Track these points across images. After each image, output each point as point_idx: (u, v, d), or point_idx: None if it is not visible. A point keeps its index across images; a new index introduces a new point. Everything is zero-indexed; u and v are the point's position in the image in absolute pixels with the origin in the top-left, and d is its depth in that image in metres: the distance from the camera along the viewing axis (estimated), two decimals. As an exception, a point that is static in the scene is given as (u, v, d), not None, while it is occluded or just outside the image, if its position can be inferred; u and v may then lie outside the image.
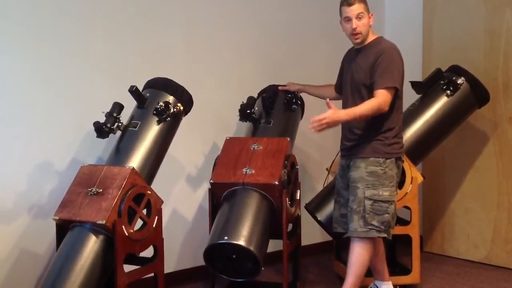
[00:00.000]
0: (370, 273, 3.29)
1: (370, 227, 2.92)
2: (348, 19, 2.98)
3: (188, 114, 3.23)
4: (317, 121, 2.79)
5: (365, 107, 2.86)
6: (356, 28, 2.96)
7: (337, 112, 2.83)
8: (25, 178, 3.10)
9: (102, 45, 3.37)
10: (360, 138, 3.00)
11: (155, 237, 2.89)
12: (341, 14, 3.02)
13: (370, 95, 2.93)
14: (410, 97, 3.76)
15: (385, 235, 2.96)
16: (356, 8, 2.96)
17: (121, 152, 2.94)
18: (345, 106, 3.09)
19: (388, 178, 2.95)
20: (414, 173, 3.44)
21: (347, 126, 3.07)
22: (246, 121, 3.50)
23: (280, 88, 3.58)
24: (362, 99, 2.95)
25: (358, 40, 3.01)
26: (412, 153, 3.50)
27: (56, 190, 3.14)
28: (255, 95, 3.62)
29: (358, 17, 2.96)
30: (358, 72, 3.01)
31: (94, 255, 2.65)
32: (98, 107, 2.98)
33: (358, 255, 2.95)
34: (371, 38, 3.03)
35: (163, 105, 2.99)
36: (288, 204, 3.17)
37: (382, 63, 2.90)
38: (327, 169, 3.68)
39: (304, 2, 4.32)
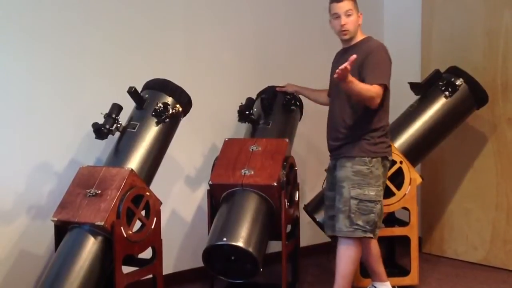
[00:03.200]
0: (367, 274, 3.30)
1: (355, 227, 2.91)
2: (337, 16, 2.99)
3: (187, 115, 3.23)
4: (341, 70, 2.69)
5: (367, 87, 2.80)
6: (344, 24, 2.97)
7: (350, 77, 2.70)
8: (24, 179, 3.10)
9: (101, 46, 3.37)
10: (346, 137, 2.98)
11: (154, 238, 2.89)
12: (330, 11, 3.04)
13: None
14: (408, 98, 3.77)
15: (371, 235, 2.94)
16: (345, 5, 2.97)
17: (120, 153, 2.94)
18: (332, 106, 3.09)
19: (374, 178, 2.93)
20: (412, 174, 3.44)
21: (334, 126, 3.05)
22: (245, 122, 3.50)
23: (278, 89, 3.58)
24: (350, 98, 2.93)
25: (346, 37, 3.01)
26: (411, 154, 3.51)
27: (55, 191, 3.14)
28: (254, 96, 3.62)
29: (347, 14, 2.97)
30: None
31: (92, 256, 2.65)
32: (97, 108, 2.98)
33: (344, 255, 2.95)
34: (360, 37, 3.03)
35: (162, 106, 2.99)
36: (287, 205, 3.17)
37: (373, 60, 2.90)
38: (326, 170, 3.68)
39: (303, 4, 4.32)
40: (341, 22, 2.98)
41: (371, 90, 2.82)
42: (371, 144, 2.94)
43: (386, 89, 2.90)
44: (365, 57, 2.91)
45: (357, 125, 2.96)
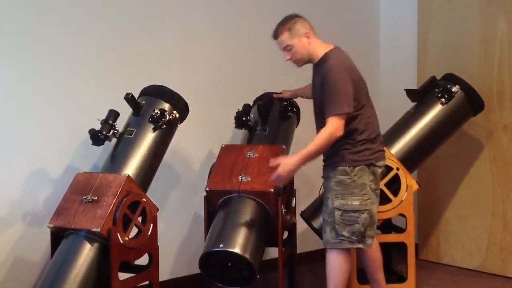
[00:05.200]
0: (365, 280, 3.30)
1: (341, 238, 2.88)
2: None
3: (184, 121, 3.23)
4: (274, 181, 2.83)
5: (317, 143, 2.78)
6: (289, 59, 2.93)
7: (287, 164, 2.78)
8: (20, 185, 3.09)
9: (98, 52, 3.37)
10: (331, 148, 2.91)
11: (150, 245, 2.88)
12: None
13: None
14: (405, 105, 3.78)
15: (360, 246, 2.91)
16: (280, 42, 2.90)
17: (116, 160, 2.94)
18: (315, 122, 3.04)
19: (358, 187, 2.87)
20: (409, 181, 3.45)
21: None
22: (241, 129, 3.49)
23: (274, 96, 3.58)
24: (322, 117, 2.87)
25: (299, 66, 2.98)
26: (407, 161, 3.51)
27: (51, 197, 3.13)
28: (251, 103, 3.62)
29: (286, 49, 2.90)
30: (315, 90, 2.97)
31: (89, 263, 2.64)
32: (94, 114, 2.98)
33: (334, 266, 2.92)
34: (321, 53, 2.89)
35: (158, 112, 3.00)
36: (283, 212, 3.17)
37: (327, 88, 2.79)
38: (322, 176, 3.68)
39: (299, 9, 4.32)
40: (285, 58, 2.94)
41: (317, 141, 2.77)
42: (352, 153, 2.87)
43: (346, 114, 2.77)
44: (323, 81, 2.83)
45: (332, 149, 2.90)
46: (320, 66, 2.88)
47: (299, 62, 2.95)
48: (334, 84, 2.78)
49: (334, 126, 2.76)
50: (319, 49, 2.91)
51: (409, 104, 3.76)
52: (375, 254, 3.16)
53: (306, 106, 3.66)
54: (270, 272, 3.56)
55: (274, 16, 4.17)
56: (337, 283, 2.93)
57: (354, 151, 2.87)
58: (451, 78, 3.70)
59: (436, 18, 4.22)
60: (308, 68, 4.29)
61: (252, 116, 3.52)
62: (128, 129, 3.00)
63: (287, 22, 2.90)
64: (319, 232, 3.51)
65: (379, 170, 2.96)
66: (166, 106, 3.05)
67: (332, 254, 2.94)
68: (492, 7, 3.90)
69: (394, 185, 3.45)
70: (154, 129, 2.99)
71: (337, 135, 2.78)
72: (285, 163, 2.80)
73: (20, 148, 3.09)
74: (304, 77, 4.21)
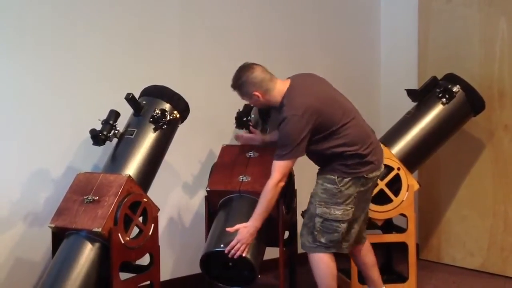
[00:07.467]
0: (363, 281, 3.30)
1: (318, 243, 2.91)
2: None
3: (185, 121, 3.23)
4: (234, 249, 2.83)
5: (265, 199, 2.84)
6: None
7: (245, 228, 2.85)
8: (20, 186, 3.09)
9: (99, 52, 3.37)
10: (324, 161, 2.97)
11: (151, 245, 2.88)
12: None
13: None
14: (406, 105, 3.78)
15: (334, 251, 2.94)
16: (238, 94, 2.99)
17: (117, 160, 2.93)
18: None
19: (343, 197, 2.87)
20: (410, 181, 3.45)
21: (312, 158, 3.03)
22: (242, 129, 3.50)
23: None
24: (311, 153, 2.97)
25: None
26: (408, 160, 3.51)
27: (52, 197, 3.13)
28: (252, 103, 3.62)
29: (245, 99, 3.03)
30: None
31: (89, 263, 2.64)
32: (95, 114, 2.99)
33: (320, 268, 2.94)
34: (279, 98, 2.89)
35: (159, 112, 3.00)
36: (284, 212, 3.17)
37: (279, 133, 2.85)
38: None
39: (302, 12, 4.33)
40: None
41: (264, 197, 2.84)
42: (342, 165, 2.87)
43: (291, 159, 2.81)
44: (279, 125, 2.87)
45: (324, 160, 2.94)
46: (279, 110, 2.88)
47: (261, 108, 3.13)
48: (286, 132, 2.80)
49: (278, 174, 2.81)
50: (277, 95, 2.91)
51: (410, 104, 3.76)
52: (366, 257, 3.15)
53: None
54: (271, 272, 3.56)
55: (275, 17, 4.20)
56: (328, 284, 2.94)
57: (345, 164, 2.87)
58: (451, 78, 3.70)
59: (436, 19, 4.22)
60: (310, 71, 4.30)
61: (252, 116, 3.51)
62: (129, 129, 3.00)
63: (237, 80, 2.93)
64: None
65: (370, 183, 2.96)
66: (167, 106, 3.05)
67: (314, 257, 2.95)
68: (491, 8, 3.90)
69: (395, 185, 3.45)
70: (155, 129, 2.99)
71: (281, 185, 2.85)
72: (243, 228, 2.85)
73: (21, 149, 3.09)
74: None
